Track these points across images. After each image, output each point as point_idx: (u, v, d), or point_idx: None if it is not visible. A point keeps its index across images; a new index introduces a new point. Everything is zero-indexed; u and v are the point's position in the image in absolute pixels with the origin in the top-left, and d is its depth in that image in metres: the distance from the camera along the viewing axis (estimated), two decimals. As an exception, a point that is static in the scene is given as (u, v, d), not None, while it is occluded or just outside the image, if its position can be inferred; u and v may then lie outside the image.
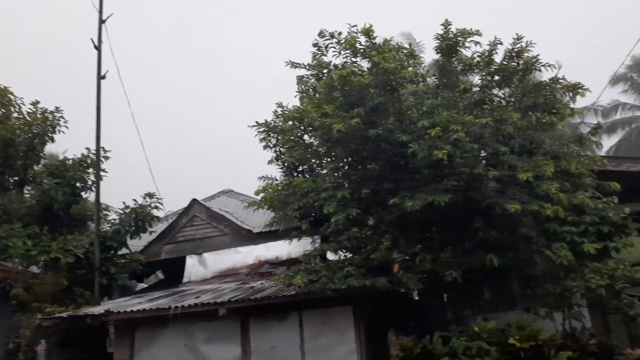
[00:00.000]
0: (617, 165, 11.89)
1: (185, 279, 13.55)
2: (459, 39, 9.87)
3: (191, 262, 13.79)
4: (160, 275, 18.85)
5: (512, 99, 10.37)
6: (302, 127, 10.76)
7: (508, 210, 8.48)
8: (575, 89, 9.79)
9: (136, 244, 14.14)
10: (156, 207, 13.83)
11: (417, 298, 11.47)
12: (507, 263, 9.39)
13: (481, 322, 8.83)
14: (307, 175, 11.19)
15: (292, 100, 12.27)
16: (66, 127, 16.11)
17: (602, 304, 10.47)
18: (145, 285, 16.81)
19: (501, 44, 10.14)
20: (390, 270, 9.18)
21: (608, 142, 33.18)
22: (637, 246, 22.03)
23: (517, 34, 9.95)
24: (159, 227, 14.47)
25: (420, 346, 8.64)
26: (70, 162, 14.95)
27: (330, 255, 11.16)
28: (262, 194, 10.71)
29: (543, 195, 8.74)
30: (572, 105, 10.18)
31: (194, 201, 14.42)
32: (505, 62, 10.11)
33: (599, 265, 8.66)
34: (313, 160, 11.29)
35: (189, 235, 14.13)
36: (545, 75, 10.50)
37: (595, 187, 9.69)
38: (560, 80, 9.82)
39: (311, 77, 11.03)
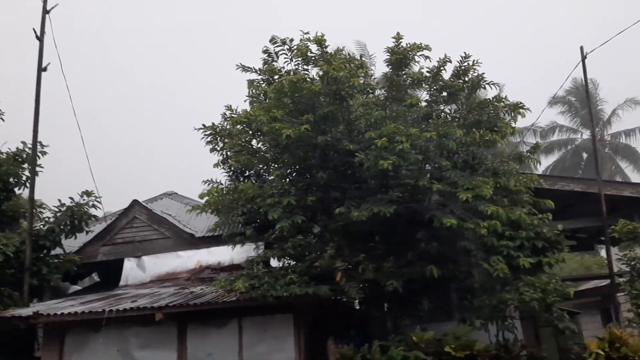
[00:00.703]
0: (552, 184, 12.42)
1: (122, 283, 13.11)
2: (409, 53, 10.05)
3: (129, 265, 13.36)
4: (95, 277, 18.15)
5: (457, 115, 10.65)
6: (250, 132, 10.66)
7: (445, 224, 8.68)
8: (517, 108, 10.16)
9: (71, 244, 13.53)
10: (94, 206, 13.28)
11: (358, 307, 11.57)
12: (447, 274, 9.61)
13: (419, 332, 8.99)
14: (253, 181, 11.07)
15: (243, 105, 12.22)
16: (1, 119, 15.30)
17: (534, 316, 10.85)
18: (80, 288, 16.12)
19: (450, 61, 10.39)
20: (333, 279, 9.20)
21: (545, 162, 34.71)
22: (568, 262, 23.09)
23: (464, 52, 10.26)
24: (97, 228, 13.93)
25: (359, 355, 8.68)
26: (4, 156, 14.20)
27: (274, 262, 11.09)
28: (206, 198, 10.52)
29: (482, 212, 9.00)
30: (513, 124, 10.56)
31: (135, 202, 13.99)
32: (452, 79, 10.37)
33: (532, 279, 8.97)
34: (260, 166, 11.19)
35: (128, 237, 13.68)
36: (490, 94, 10.90)
37: (532, 204, 10.05)
38: (503, 100, 10.18)
39: (262, 82, 10.97)
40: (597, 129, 32.88)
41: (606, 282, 13.28)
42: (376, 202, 8.92)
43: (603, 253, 17.12)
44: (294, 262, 10.47)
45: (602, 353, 8.23)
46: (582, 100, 32.14)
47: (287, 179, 10.76)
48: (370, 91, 10.62)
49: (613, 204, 12.26)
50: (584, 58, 11.81)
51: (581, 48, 11.87)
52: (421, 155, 9.06)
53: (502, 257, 9.03)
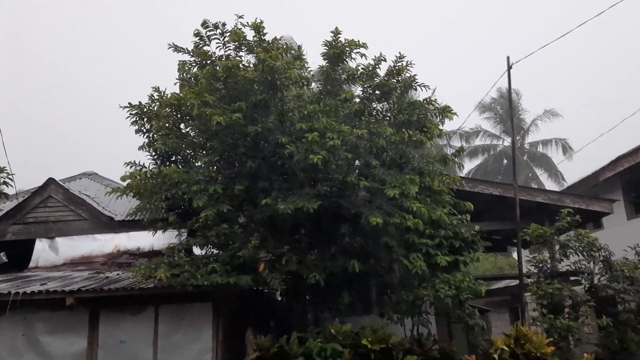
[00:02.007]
0: (473, 186, 12.94)
1: (32, 264, 12.40)
2: (346, 48, 10.10)
3: (41, 246, 12.65)
4: (3, 258, 17.06)
5: (389, 114, 10.82)
6: (179, 115, 10.35)
7: (372, 223, 8.81)
8: (445, 111, 10.45)
9: (-23, 222, 12.66)
10: (5, 183, 12.47)
11: (279, 299, 11.56)
12: (368, 270, 9.78)
13: (337, 325, 9.09)
14: (180, 166, 10.75)
15: (172, 88, 11.78)
16: None
17: (448, 313, 11.31)
18: (-16, 268, 15.12)
19: (385, 60, 10.55)
20: (255, 270, 9.12)
21: (469, 165, 36.18)
22: (482, 262, 24.17)
23: (399, 52, 10.43)
24: (7, 205, 13.10)
25: (276, 346, 8.67)
26: None
27: (196, 251, 10.86)
28: (128, 181, 10.12)
29: (407, 209, 9.22)
30: (441, 127, 10.88)
31: (51, 180, 13.24)
32: (386, 78, 10.53)
33: (448, 277, 9.31)
34: (188, 151, 10.89)
35: (41, 216, 12.94)
36: (421, 95, 11.16)
37: (453, 204, 10.41)
38: (433, 102, 10.45)
39: (194, 65, 10.66)
40: (517, 137, 34.64)
41: (516, 282, 14.01)
42: (302, 197, 8.91)
43: (515, 255, 18.05)
44: (217, 251, 10.29)
45: (507, 349, 8.66)
46: (506, 108, 33.70)
47: (215, 167, 10.54)
48: (306, 83, 10.59)
49: (527, 209, 12.95)
50: (509, 68, 12.35)
51: (507, 58, 12.40)
52: (351, 152, 9.13)
53: (421, 254, 9.29)
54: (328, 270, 9.25)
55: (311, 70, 11.12)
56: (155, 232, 10.95)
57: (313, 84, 11.05)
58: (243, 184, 9.61)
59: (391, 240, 9.50)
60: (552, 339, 9.29)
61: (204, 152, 10.53)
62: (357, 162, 10.03)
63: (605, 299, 12.47)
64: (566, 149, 34.64)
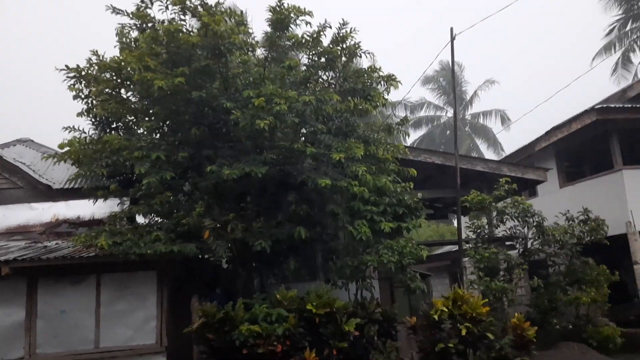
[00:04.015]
0: (416, 155, 13.23)
1: (-37, 235, 11.82)
2: (290, 15, 9.97)
3: (-27, 215, 12.06)
4: None
5: (334, 82, 10.83)
6: (119, 80, 10.00)
7: (319, 185, 8.87)
8: (390, 80, 10.56)
9: None
10: None
11: (225, 266, 11.56)
12: (314, 236, 9.90)
13: (283, 291, 9.20)
14: (121, 133, 10.44)
15: (111, 52, 11.27)
16: None
17: (391, 277, 11.65)
18: None
19: (330, 27, 10.49)
20: (200, 237, 9.08)
21: (414, 135, 36.87)
22: (425, 229, 24.81)
23: (342, 19, 10.38)
24: None
25: (222, 312, 8.71)
26: None
27: (140, 219, 10.67)
28: (67, 147, 9.76)
29: (352, 175, 9.35)
30: (386, 96, 10.99)
31: (-18, 147, 12.59)
32: (331, 46, 10.50)
33: (391, 242, 9.54)
34: (129, 117, 10.57)
35: (-28, 185, 12.33)
36: (367, 65, 11.20)
37: (397, 172, 10.63)
38: (378, 70, 10.53)
39: (134, 28, 10.28)
40: (459, 108, 35.49)
41: (455, 248, 14.54)
42: (249, 162, 8.88)
43: (456, 222, 18.68)
44: (161, 220, 10.15)
45: (446, 310, 9.04)
46: (449, 80, 34.40)
47: (158, 133, 10.31)
48: (250, 49, 10.42)
49: (467, 177, 13.40)
50: (452, 39, 12.56)
51: (451, 29, 12.59)
52: (298, 118, 9.12)
53: (366, 221, 9.45)
54: (274, 238, 9.30)
55: (255, 37, 10.96)
56: (96, 201, 10.66)
57: (258, 51, 10.89)
58: (187, 151, 9.47)
59: (337, 208, 9.62)
60: (487, 300, 9.74)
61: (146, 118, 10.25)
62: (303, 129, 10.03)
63: (537, 262, 13.20)
64: (504, 119, 35.84)
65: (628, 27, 29.04)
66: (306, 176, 9.25)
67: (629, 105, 14.21)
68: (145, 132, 10.08)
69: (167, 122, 10.33)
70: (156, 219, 10.30)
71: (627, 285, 13.25)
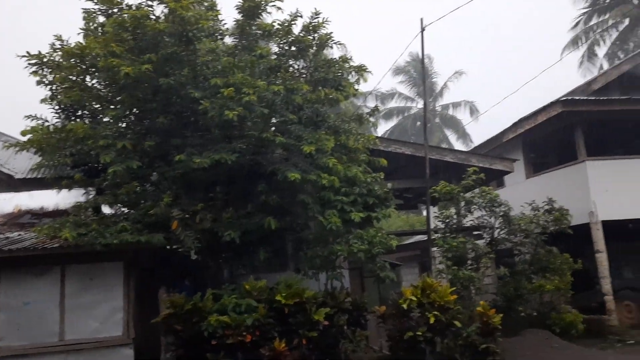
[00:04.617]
0: (386, 145, 13.31)
1: None
2: (261, 2, 9.86)
3: None
4: None
5: (305, 72, 10.77)
6: (84, 67, 9.74)
7: (289, 179, 8.85)
8: (360, 70, 10.55)
9: None
10: None
11: (194, 257, 11.44)
12: (284, 226, 9.87)
13: (252, 281, 9.17)
14: (86, 121, 10.17)
15: (76, 38, 10.94)
16: None
17: (361, 267, 11.74)
18: None
19: (301, 16, 10.42)
20: (168, 228, 8.95)
21: (385, 126, 37.09)
22: (394, 220, 25.01)
23: (315, 9, 10.32)
24: None
25: (190, 303, 8.63)
26: None
27: (106, 210, 10.46)
28: (29, 136, 9.47)
29: (323, 166, 9.34)
30: (357, 86, 10.99)
31: (-61, 135, 12.13)
32: (302, 35, 10.43)
33: (361, 232, 9.59)
34: (94, 105, 10.31)
35: None
36: (338, 56, 11.17)
37: (367, 162, 10.66)
38: (349, 60, 10.51)
39: (100, 13, 10.00)
40: (429, 100, 35.82)
41: (425, 237, 14.71)
42: (218, 151, 8.77)
43: (425, 213, 18.92)
44: (128, 210, 9.97)
45: (415, 299, 9.16)
46: (419, 72, 34.61)
47: (124, 121, 10.09)
48: (220, 37, 10.26)
49: (436, 168, 13.56)
50: (422, 30, 12.63)
51: (421, 20, 12.67)
52: (267, 108, 9.04)
53: (336, 211, 9.47)
54: (244, 228, 9.24)
55: (225, 24, 10.79)
56: (60, 191, 10.40)
57: (228, 38, 10.74)
58: (155, 140, 9.31)
59: (307, 198, 9.60)
60: (455, 288, 9.90)
61: (112, 106, 10.00)
62: (273, 119, 9.96)
63: (503, 251, 13.47)
64: (473, 111, 36.36)
65: (593, 21, 29.69)
66: (276, 167, 9.19)
67: (593, 98, 14.54)
68: (111, 121, 9.85)
69: (134, 110, 10.11)
70: (122, 209, 10.11)
71: (589, 273, 13.62)
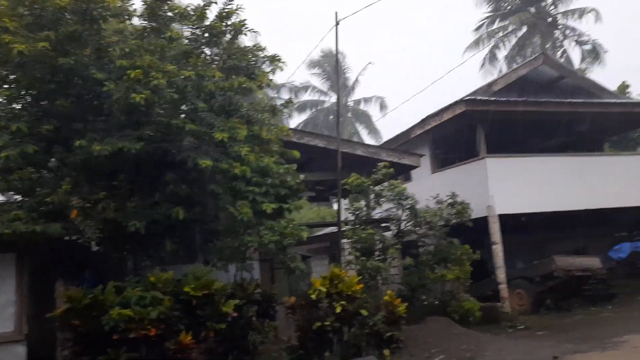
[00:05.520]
0: (300, 137, 13.33)
1: None
2: (172, -16, 9.50)
3: None
4: None
5: (218, 59, 10.53)
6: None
7: (200, 166, 8.61)
8: (275, 60, 10.47)
9: None
10: None
11: (95, 248, 10.88)
12: (193, 217, 9.60)
13: (158, 273, 8.87)
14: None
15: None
16: None
17: (272, 259, 11.71)
18: None
19: (215, 2, 10.16)
20: (67, 218, 8.42)
21: (298, 119, 37.24)
22: (306, 212, 25.17)
23: (230, -5, 10.09)
24: None
25: (90, 296, 8.17)
26: None
27: (-3, 197, 9.67)
28: None
29: (235, 155, 9.18)
30: (271, 76, 10.89)
31: None
32: (216, 21, 10.17)
33: (273, 224, 9.56)
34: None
35: None
36: (251, 43, 11.01)
37: (280, 154, 10.63)
38: (263, 49, 10.39)
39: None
40: (343, 94, 36.42)
41: (336, 229, 14.94)
42: (123, 138, 8.36)
43: (336, 205, 19.24)
44: (22, 198, 9.28)
45: (324, 289, 9.27)
46: (333, 66, 35.08)
47: (19, 103, 9.36)
48: (127, 17, 9.77)
49: (348, 161, 13.78)
50: (337, 24, 12.74)
51: (335, 14, 12.76)
52: (178, 93, 8.74)
53: (248, 202, 9.37)
54: (150, 218, 8.88)
55: (133, 4, 10.28)
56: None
57: (136, 20, 10.25)
58: (53, 124, 8.73)
59: (218, 188, 9.40)
60: (362, 278, 10.13)
61: (5, 85, 9.25)
62: (184, 106, 9.65)
63: (409, 242, 13.99)
64: (383, 106, 37.48)
65: (495, 25, 31.52)
66: (186, 154, 8.92)
67: (494, 99, 15.43)
68: (3, 101, 9.11)
69: (30, 91, 9.40)
70: (16, 196, 9.39)
71: (487, 263, 14.50)
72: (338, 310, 9.04)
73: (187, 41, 10.13)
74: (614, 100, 17.86)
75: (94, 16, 8.70)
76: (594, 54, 30.05)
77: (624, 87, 22.83)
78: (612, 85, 20.21)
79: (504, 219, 14.30)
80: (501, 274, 14.01)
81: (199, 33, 10.20)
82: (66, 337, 8.51)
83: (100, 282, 8.95)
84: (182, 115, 9.60)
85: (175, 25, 10.39)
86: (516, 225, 14.80)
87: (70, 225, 8.46)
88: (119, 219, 8.73)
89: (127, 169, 9.45)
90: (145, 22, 9.92)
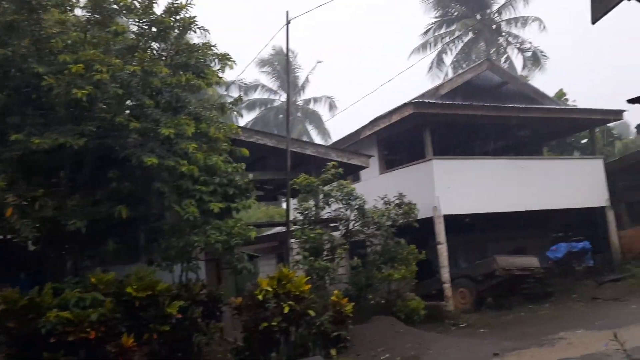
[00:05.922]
0: (249, 136, 13.23)
1: None
2: (118, -25, 9.20)
3: None
4: None
5: (165, 54, 10.28)
6: None
7: (145, 163, 8.39)
8: (224, 59, 10.32)
9: None
10: None
11: (32, 248, 10.43)
12: (137, 215, 9.34)
13: (99, 273, 8.59)
14: None
15: None
16: None
17: (218, 259, 11.55)
18: None
19: (164, -4, 9.92)
20: (2, 215, 8.02)
21: (247, 117, 36.94)
22: (254, 211, 24.99)
23: (179, -11, 9.86)
24: None
25: (26, 298, 7.82)
26: None
27: None
28: None
29: (181, 153, 8.99)
30: (220, 74, 10.73)
31: None
32: (163, 16, 9.92)
33: (220, 223, 9.43)
34: None
35: None
36: (200, 41, 10.82)
37: (229, 152, 10.49)
38: (212, 47, 10.23)
39: None
40: (293, 93, 36.40)
41: (284, 229, 14.91)
42: (64, 133, 8.04)
43: (285, 205, 19.21)
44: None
45: (271, 289, 9.21)
46: (283, 65, 35.00)
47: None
48: (69, 8, 9.40)
49: (298, 161, 13.77)
50: (287, 22, 12.70)
51: (286, 13, 12.72)
52: (122, 89, 8.48)
53: (194, 201, 9.21)
54: (91, 217, 8.58)
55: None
56: None
57: (79, 11, 9.88)
58: (-14, 117, 8.27)
59: (163, 186, 9.18)
60: (310, 277, 10.14)
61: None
62: (129, 102, 9.37)
63: (357, 242, 14.11)
64: (332, 106, 37.74)
65: (442, 30, 32.28)
66: (130, 151, 8.67)
67: (440, 102, 15.80)
68: None
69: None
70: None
71: (432, 263, 14.81)
72: (286, 310, 9.00)
73: (133, 35, 9.85)
74: (553, 107, 18.65)
75: (33, 5, 8.32)
76: (535, 60, 31.25)
77: (561, 94, 23.86)
78: (550, 92, 21.07)
79: (448, 219, 14.65)
80: (445, 273, 14.36)
81: (146, 27, 9.92)
82: (1, 340, 8.11)
83: (37, 283, 8.59)
84: (127, 111, 9.32)
85: (122, 18, 10.10)
86: (460, 225, 15.20)
87: (5, 224, 8.09)
88: (58, 218, 8.40)
89: (67, 165, 9.12)
90: (89, 13, 9.56)
